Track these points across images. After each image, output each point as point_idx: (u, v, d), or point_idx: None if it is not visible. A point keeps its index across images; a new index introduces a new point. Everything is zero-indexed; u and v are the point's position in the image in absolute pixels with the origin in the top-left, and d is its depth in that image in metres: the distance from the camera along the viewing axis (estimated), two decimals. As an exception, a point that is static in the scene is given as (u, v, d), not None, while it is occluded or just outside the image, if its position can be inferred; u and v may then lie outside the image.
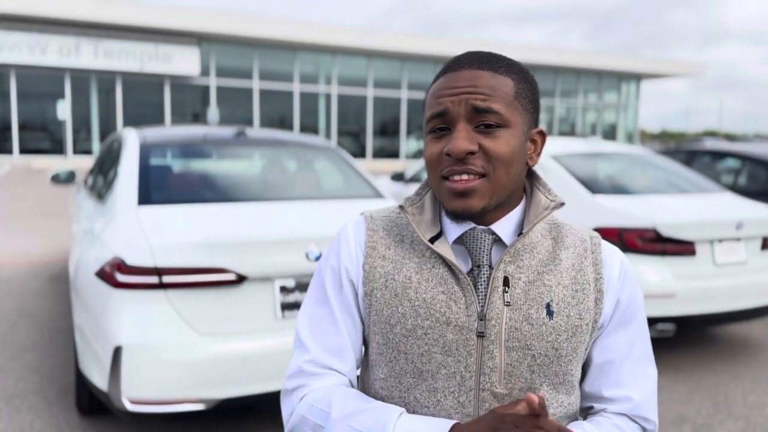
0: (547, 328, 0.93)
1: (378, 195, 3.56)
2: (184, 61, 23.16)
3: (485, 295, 0.94)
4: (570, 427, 0.95)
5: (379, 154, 27.49)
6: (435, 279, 0.96)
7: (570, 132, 31.32)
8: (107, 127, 23.09)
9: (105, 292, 2.56)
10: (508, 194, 0.94)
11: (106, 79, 22.83)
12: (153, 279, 2.49)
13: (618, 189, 4.48)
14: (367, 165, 25.31)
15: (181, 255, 2.53)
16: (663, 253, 3.92)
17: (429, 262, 0.97)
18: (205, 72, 23.93)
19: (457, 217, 0.93)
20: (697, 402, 3.59)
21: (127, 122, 23.07)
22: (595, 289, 0.97)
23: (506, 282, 0.94)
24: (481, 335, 0.93)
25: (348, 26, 24.68)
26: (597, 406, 1.03)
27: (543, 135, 0.97)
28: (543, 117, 31.27)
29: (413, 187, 6.25)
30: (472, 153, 0.89)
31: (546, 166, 4.73)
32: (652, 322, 3.89)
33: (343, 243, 1.03)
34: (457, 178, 0.90)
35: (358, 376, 1.09)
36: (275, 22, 23.41)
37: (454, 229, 0.98)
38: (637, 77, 33.09)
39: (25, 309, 5.03)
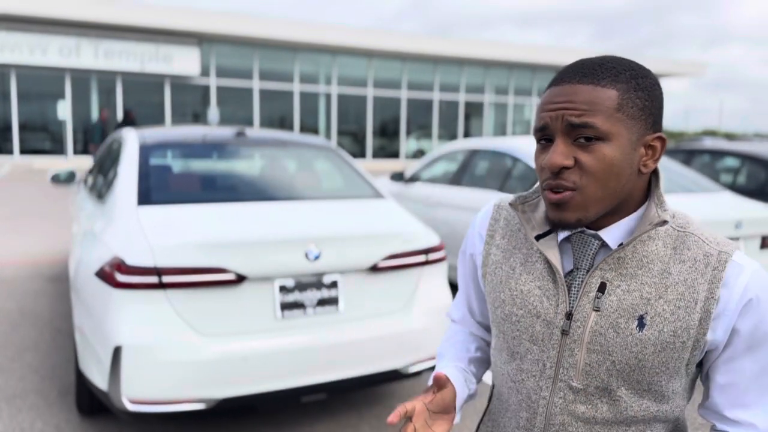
0: (633, 338, 0.94)
1: (378, 195, 3.57)
2: (185, 62, 23.18)
3: (577, 297, 0.98)
4: None
5: (379, 154, 27.50)
6: (535, 273, 1.03)
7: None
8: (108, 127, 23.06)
9: (105, 292, 2.56)
10: (611, 204, 0.95)
11: (107, 80, 22.84)
12: (153, 279, 2.50)
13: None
14: (367, 165, 25.32)
15: (181, 255, 2.54)
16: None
17: (534, 256, 1.04)
18: (205, 72, 23.94)
19: (555, 226, 0.98)
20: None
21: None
22: (702, 308, 0.93)
23: (602, 288, 0.96)
24: (565, 333, 0.98)
25: (348, 26, 24.67)
26: (720, 426, 1.00)
27: (662, 140, 0.95)
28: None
29: (413, 187, 6.25)
30: (566, 168, 0.93)
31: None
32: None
33: (470, 230, 1.19)
34: (553, 190, 0.95)
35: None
36: (275, 22, 23.42)
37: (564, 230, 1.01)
38: (637, 77, 33.08)
39: (26, 309, 5.04)
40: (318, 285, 2.79)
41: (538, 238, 1.02)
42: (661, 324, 0.93)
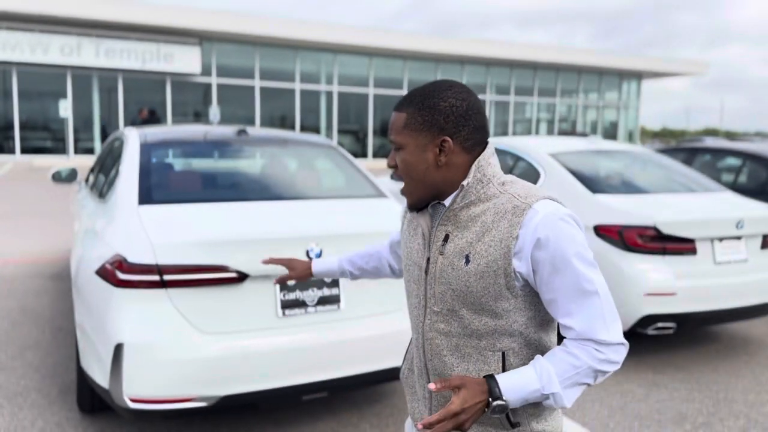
0: (462, 272, 1.28)
1: (379, 194, 3.57)
2: (186, 60, 23.17)
3: (431, 246, 1.35)
4: (530, 364, 1.26)
5: (379, 153, 27.49)
6: (417, 234, 1.42)
7: (571, 131, 31.28)
8: (109, 126, 23.11)
9: (106, 290, 2.57)
10: (427, 190, 1.33)
11: (108, 78, 22.84)
12: (154, 277, 2.50)
13: (618, 187, 4.48)
14: (368, 164, 25.32)
15: (183, 253, 2.54)
16: (663, 251, 3.92)
17: (418, 222, 1.41)
18: (206, 71, 23.93)
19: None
20: (697, 400, 3.60)
21: (129, 120, 23.09)
22: (505, 245, 1.23)
23: (446, 238, 1.32)
24: (426, 273, 1.36)
25: (349, 25, 24.66)
26: (562, 332, 1.29)
27: (446, 141, 1.28)
28: (545, 115, 31.24)
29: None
30: (394, 167, 1.36)
31: (544, 164, 4.74)
32: (653, 320, 3.90)
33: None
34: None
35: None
36: (276, 21, 23.41)
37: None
38: (638, 76, 33.06)
39: (27, 307, 5.04)
40: (319, 283, 2.80)
41: (419, 210, 1.39)
42: (479, 259, 1.26)
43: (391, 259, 1.76)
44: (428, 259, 1.35)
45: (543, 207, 1.24)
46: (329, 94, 26.38)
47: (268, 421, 3.21)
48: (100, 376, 2.60)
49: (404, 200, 1.66)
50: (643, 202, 4.23)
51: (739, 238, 4.19)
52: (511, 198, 1.27)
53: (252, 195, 3.20)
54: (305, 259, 2.71)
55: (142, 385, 2.47)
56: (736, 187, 6.49)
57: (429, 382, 1.39)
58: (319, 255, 2.74)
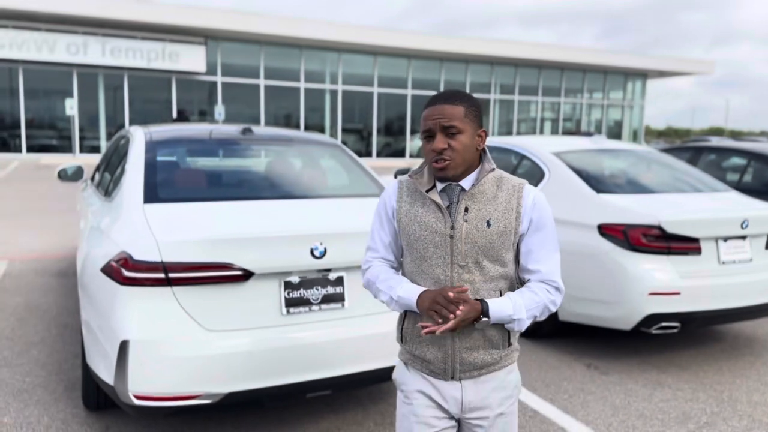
0: (486, 232, 1.71)
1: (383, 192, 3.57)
2: (191, 59, 23.22)
3: (454, 217, 1.73)
4: (504, 296, 1.72)
5: (384, 152, 27.50)
6: (430, 210, 1.76)
7: (575, 130, 31.21)
8: (114, 125, 23.18)
9: (112, 287, 2.58)
10: (468, 165, 1.73)
11: (114, 76, 22.91)
12: (159, 275, 2.51)
13: (622, 186, 4.47)
14: (372, 163, 25.31)
15: (188, 251, 2.55)
16: (668, 250, 3.92)
17: (427, 201, 1.78)
18: (211, 69, 23.98)
19: (441, 181, 1.77)
20: (701, 400, 3.60)
21: (134, 119, 23.14)
22: (516, 212, 1.73)
23: (467, 210, 1.73)
24: (452, 237, 1.72)
25: (354, 24, 24.65)
26: (527, 276, 1.79)
27: (485, 132, 1.76)
28: (549, 115, 31.23)
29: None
30: (444, 149, 1.70)
31: (548, 163, 4.73)
32: (657, 319, 3.89)
33: (384, 199, 1.89)
34: (438, 162, 1.71)
35: (399, 264, 1.94)
36: (281, 20, 23.42)
37: (440, 185, 1.79)
38: (643, 75, 32.95)
39: (33, 304, 5.07)
40: (323, 281, 2.81)
41: (427, 191, 1.77)
42: (498, 223, 1.72)
43: (395, 263, 1.95)
44: (452, 227, 1.72)
45: (531, 188, 1.78)
46: (334, 93, 26.39)
47: (272, 419, 3.23)
48: (106, 373, 2.62)
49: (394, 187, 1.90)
50: (648, 201, 4.23)
51: (743, 237, 4.18)
52: (509, 180, 1.78)
53: (257, 193, 3.21)
54: (311, 257, 2.72)
55: (148, 382, 2.49)
56: (740, 187, 6.47)
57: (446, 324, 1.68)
58: (323, 253, 2.75)
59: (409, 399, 1.81)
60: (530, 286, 1.75)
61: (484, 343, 1.75)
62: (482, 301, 1.68)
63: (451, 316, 1.61)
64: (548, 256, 1.76)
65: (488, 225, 1.70)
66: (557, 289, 1.76)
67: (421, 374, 1.81)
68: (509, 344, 1.79)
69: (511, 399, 1.82)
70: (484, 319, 1.68)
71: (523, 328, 1.73)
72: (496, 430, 1.79)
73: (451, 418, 1.80)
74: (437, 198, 1.74)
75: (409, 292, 1.75)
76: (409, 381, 1.83)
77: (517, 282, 1.82)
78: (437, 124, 1.68)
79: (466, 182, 1.74)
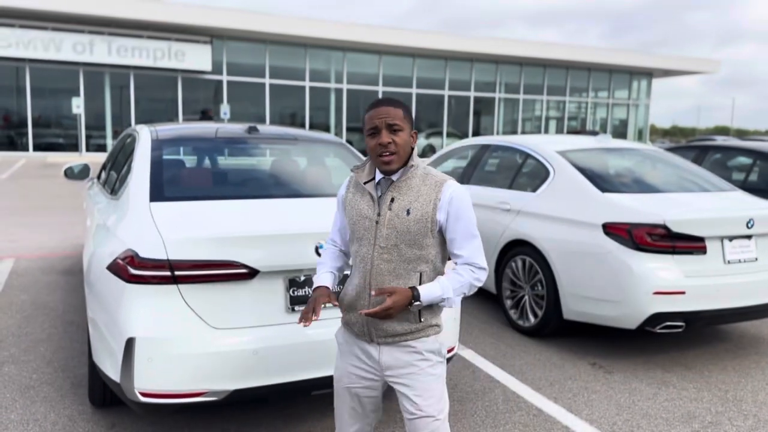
0: (406, 219, 1.99)
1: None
2: (197, 58, 23.27)
3: (381, 206, 2.03)
4: (435, 281, 2.01)
5: (389, 150, 27.47)
6: (365, 199, 2.08)
7: (581, 129, 31.13)
8: (120, 124, 23.25)
9: (118, 285, 2.60)
10: (404, 159, 2.03)
11: (120, 75, 22.97)
12: (165, 272, 2.53)
13: (627, 185, 4.46)
14: (377, 161, 25.28)
15: (194, 249, 2.57)
16: (673, 249, 3.91)
17: (365, 192, 2.10)
18: (217, 68, 24.02)
19: (384, 174, 2.06)
20: (705, 399, 3.59)
21: (140, 118, 23.21)
22: (433, 203, 2.00)
23: (392, 200, 2.02)
24: (377, 223, 2.02)
25: (359, 23, 24.65)
26: (455, 260, 2.07)
27: (416, 132, 2.10)
28: (554, 113, 31.16)
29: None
30: (389, 143, 1.99)
31: (553, 162, 4.73)
32: (661, 318, 3.89)
33: (340, 190, 2.24)
34: (385, 155, 2.00)
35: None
36: (286, 19, 23.44)
37: (378, 177, 2.08)
38: (648, 74, 32.85)
39: (40, 302, 5.10)
40: (328, 280, 2.81)
41: (365, 183, 2.08)
42: (417, 212, 1.99)
43: (344, 248, 2.30)
44: (379, 213, 2.03)
45: (453, 183, 2.05)
46: (339, 92, 26.40)
47: (277, 416, 3.24)
48: (112, 371, 2.64)
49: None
50: (653, 200, 4.22)
51: (749, 237, 4.17)
52: (434, 176, 2.06)
53: (262, 192, 3.22)
54: (316, 255, 2.73)
55: (153, 380, 2.50)
56: (746, 186, 6.45)
57: (371, 293, 2.02)
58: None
59: (342, 353, 2.19)
60: (456, 269, 2.05)
61: (408, 318, 2.04)
62: (413, 288, 1.96)
63: (375, 309, 1.91)
64: (469, 242, 2.04)
65: (408, 213, 1.99)
66: (480, 268, 2.05)
67: (351, 335, 2.14)
68: (420, 320, 2.04)
69: (427, 362, 2.05)
70: (416, 303, 1.96)
71: (453, 305, 2.05)
72: (414, 390, 2.03)
73: (375, 374, 2.10)
74: (372, 189, 2.07)
75: (317, 281, 2.18)
76: (341, 339, 2.20)
77: (443, 262, 2.11)
78: (383, 122, 1.98)
79: (396, 176, 2.04)
